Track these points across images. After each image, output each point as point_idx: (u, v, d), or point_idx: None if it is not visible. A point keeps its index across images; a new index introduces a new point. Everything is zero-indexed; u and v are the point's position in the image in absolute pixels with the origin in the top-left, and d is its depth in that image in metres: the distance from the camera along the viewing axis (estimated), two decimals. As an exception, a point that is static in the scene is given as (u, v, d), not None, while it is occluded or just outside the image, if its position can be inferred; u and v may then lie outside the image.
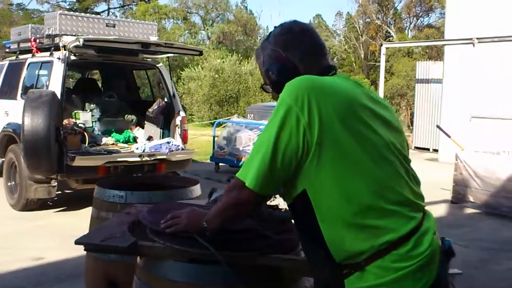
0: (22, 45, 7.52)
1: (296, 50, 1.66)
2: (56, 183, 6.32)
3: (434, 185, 8.10)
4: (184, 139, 7.13)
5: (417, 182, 1.62)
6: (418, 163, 11.04)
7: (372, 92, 1.69)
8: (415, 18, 38.00)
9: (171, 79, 7.53)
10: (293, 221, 1.67)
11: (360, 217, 1.44)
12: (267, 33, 1.83)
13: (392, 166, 1.51)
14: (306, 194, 1.49)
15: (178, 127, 7.16)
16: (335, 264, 1.50)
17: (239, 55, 25.38)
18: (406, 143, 1.67)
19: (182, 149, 6.93)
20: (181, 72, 25.03)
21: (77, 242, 1.87)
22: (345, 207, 1.45)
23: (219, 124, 12.06)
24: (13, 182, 6.76)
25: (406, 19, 38.63)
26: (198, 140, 13.44)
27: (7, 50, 8.25)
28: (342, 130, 1.44)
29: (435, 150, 13.39)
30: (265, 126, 1.53)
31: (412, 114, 18.54)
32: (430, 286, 1.45)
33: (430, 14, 37.54)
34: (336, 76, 1.66)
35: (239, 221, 1.78)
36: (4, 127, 6.85)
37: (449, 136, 8.25)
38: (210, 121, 19.15)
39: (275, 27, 1.75)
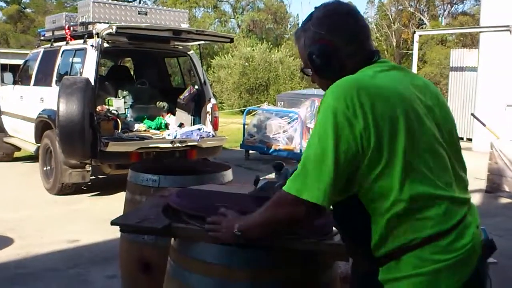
0: (56, 33, 7.63)
1: (341, 33, 1.58)
2: (90, 168, 6.44)
3: (469, 174, 7.80)
4: (215, 126, 7.17)
5: (465, 172, 1.58)
6: (451, 152, 10.87)
7: (417, 77, 1.63)
8: (449, 5, 37.17)
9: (202, 67, 7.55)
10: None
11: (409, 212, 1.41)
12: (298, 21, 1.79)
13: (440, 159, 1.47)
14: (356, 196, 1.47)
15: (209, 114, 7.19)
16: (373, 258, 1.49)
17: (269, 43, 25.30)
18: (455, 130, 1.62)
19: (213, 136, 6.97)
20: (211, 60, 25.10)
21: (113, 223, 1.90)
22: (395, 203, 1.42)
23: (249, 112, 12.06)
24: (49, 167, 6.91)
25: (439, 6, 37.82)
26: (228, 128, 13.48)
27: (42, 38, 8.38)
28: (395, 130, 1.41)
29: (469, 139, 13.14)
30: (312, 134, 1.46)
31: (445, 103, 18.20)
32: (469, 279, 1.42)
33: (464, 1, 36.72)
34: (380, 65, 1.58)
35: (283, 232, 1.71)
36: (39, 113, 6.99)
37: (484, 125, 8.07)
38: (240, 109, 19.18)
39: (316, 7, 1.66)
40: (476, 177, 7.89)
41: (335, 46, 1.57)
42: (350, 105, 1.40)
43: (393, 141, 1.41)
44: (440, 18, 37.19)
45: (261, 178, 2.15)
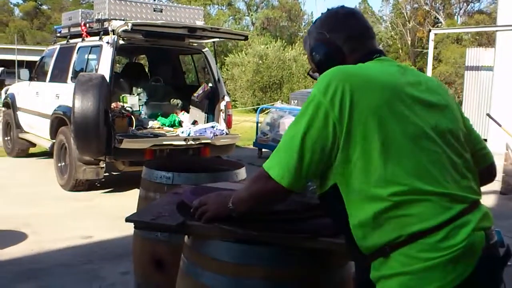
0: (72, 29, 7.69)
1: (340, 32, 1.66)
2: (104, 164, 6.48)
3: (483, 175, 7.86)
4: (229, 123, 7.18)
5: (470, 172, 1.54)
6: (465, 152, 10.78)
7: (418, 74, 1.63)
8: (465, 4, 36.84)
9: (216, 64, 7.56)
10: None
11: (390, 207, 1.39)
12: (312, 19, 1.84)
13: (430, 154, 1.44)
14: (337, 188, 1.48)
15: (223, 112, 7.20)
16: (361, 253, 1.49)
17: (283, 41, 25.29)
18: (461, 125, 1.60)
19: (227, 134, 6.98)
20: (225, 58, 25.13)
21: (128, 219, 1.91)
22: (374, 199, 1.41)
23: (262, 110, 12.06)
24: (63, 163, 6.96)
25: (455, 5, 37.51)
26: (241, 126, 13.49)
27: (58, 34, 8.43)
28: (374, 123, 1.41)
29: (484, 140, 12.98)
30: (295, 118, 1.52)
31: (460, 103, 18.06)
32: (464, 282, 1.37)
33: (481, 0, 36.33)
34: (379, 61, 1.62)
35: (267, 208, 1.79)
36: (55, 110, 7.04)
37: (499, 125, 7.98)
38: (253, 107, 19.19)
39: (322, 13, 1.76)
40: (491, 178, 7.82)
41: (334, 44, 1.66)
42: (330, 93, 1.44)
43: (370, 132, 1.41)
44: (455, 17, 36.91)
45: None
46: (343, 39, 1.65)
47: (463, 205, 1.44)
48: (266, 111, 12.06)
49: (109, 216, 5.49)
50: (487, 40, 25.80)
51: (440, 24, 33.52)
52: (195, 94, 7.44)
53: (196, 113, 7.47)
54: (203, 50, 7.50)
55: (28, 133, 8.62)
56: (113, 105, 6.67)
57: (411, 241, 1.38)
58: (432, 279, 1.36)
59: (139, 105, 7.51)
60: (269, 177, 1.52)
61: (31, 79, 8.63)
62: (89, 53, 6.98)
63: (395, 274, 1.40)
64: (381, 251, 1.43)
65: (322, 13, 1.76)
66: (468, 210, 1.44)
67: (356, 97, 1.42)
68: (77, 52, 7.26)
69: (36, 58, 10.77)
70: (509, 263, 3.89)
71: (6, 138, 9.48)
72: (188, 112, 7.61)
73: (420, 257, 1.37)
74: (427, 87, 1.57)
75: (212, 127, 6.90)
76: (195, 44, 7.54)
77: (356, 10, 1.74)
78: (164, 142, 6.41)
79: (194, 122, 7.34)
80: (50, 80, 7.82)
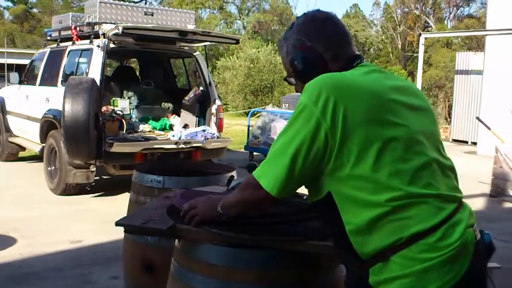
0: (63, 33, 7.65)
1: (320, 39, 1.63)
2: (94, 168, 6.45)
3: (473, 179, 7.93)
4: (220, 127, 7.17)
5: (452, 172, 1.58)
6: (456, 156, 10.83)
7: (399, 79, 1.66)
8: (455, 8, 37.12)
9: (207, 68, 7.56)
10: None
11: (388, 212, 1.41)
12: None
13: (421, 158, 1.47)
14: (331, 196, 1.48)
15: (214, 116, 7.20)
16: (361, 260, 1.49)
17: (275, 45, 25.25)
18: (437, 130, 1.64)
19: (218, 138, 6.98)
20: (216, 61, 25.13)
21: (118, 223, 1.90)
22: (371, 206, 1.42)
23: (253, 114, 12.07)
24: (53, 167, 6.92)
25: (445, 9, 37.78)
26: (233, 129, 13.49)
27: (48, 38, 8.40)
28: (367, 131, 1.42)
29: (474, 143, 13.10)
30: (284, 127, 1.51)
31: (450, 106, 18.16)
32: (461, 279, 1.40)
33: (470, 4, 36.61)
34: (362, 67, 1.62)
35: (255, 213, 1.80)
36: (45, 113, 7.01)
37: (489, 128, 8.05)
38: (245, 111, 19.20)
39: (297, 17, 1.73)
40: (481, 181, 7.88)
41: (315, 52, 1.63)
42: (321, 103, 1.42)
43: (364, 140, 1.41)
44: (446, 21, 37.16)
45: (233, 179, 2.23)
46: (323, 47, 1.63)
47: (454, 204, 1.48)
48: (257, 115, 12.06)
49: (99, 220, 5.46)
50: (477, 44, 25.98)
51: (430, 28, 33.73)
52: (186, 98, 7.44)
53: (187, 116, 7.46)
54: (194, 53, 7.50)
55: (18, 136, 8.57)
56: (104, 108, 6.65)
57: (411, 243, 1.40)
58: (431, 280, 1.38)
59: (130, 109, 7.49)
60: (259, 185, 1.52)
61: (21, 82, 8.59)
62: (80, 57, 6.96)
63: (396, 277, 1.41)
64: (381, 255, 1.43)
65: (297, 17, 1.72)
66: (458, 209, 1.48)
67: (348, 107, 1.42)
68: (67, 56, 7.23)
69: (26, 61, 10.73)
70: (499, 265, 3.90)
71: (-5, 142, 9.42)
72: (179, 115, 7.60)
73: (420, 258, 1.38)
74: (411, 91, 1.60)
75: (203, 130, 6.90)
76: (186, 48, 7.54)
77: (333, 15, 1.70)
78: (155, 146, 6.39)
79: (185, 126, 7.33)
80: (40, 84, 7.78)
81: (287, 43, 1.70)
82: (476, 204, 6.70)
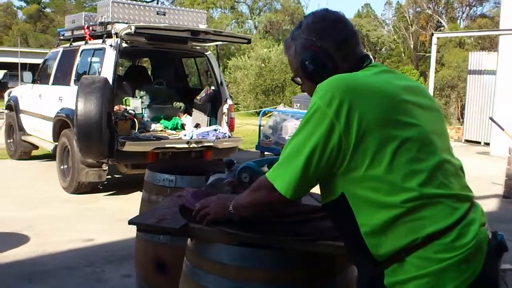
0: (75, 32, 7.70)
1: (331, 39, 1.61)
2: (106, 167, 6.49)
3: (485, 179, 7.87)
4: (231, 127, 7.18)
5: (462, 171, 1.58)
6: (468, 156, 10.77)
7: (408, 79, 1.65)
8: (467, 8, 36.85)
9: (219, 67, 7.57)
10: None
11: (403, 213, 1.40)
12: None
13: (434, 157, 1.46)
14: (344, 197, 1.47)
15: (225, 115, 7.20)
16: (375, 261, 1.48)
17: (286, 44, 25.25)
18: (446, 129, 1.64)
19: (229, 137, 6.98)
20: (227, 61, 25.16)
21: (131, 222, 1.91)
22: (386, 207, 1.41)
23: (265, 113, 12.06)
24: (66, 166, 6.97)
25: (458, 9, 37.51)
26: (244, 129, 13.50)
27: (61, 37, 8.45)
28: (381, 133, 1.41)
29: (487, 144, 12.99)
30: (297, 129, 1.50)
31: (462, 106, 18.03)
32: (476, 279, 1.39)
33: (483, 3, 36.32)
34: (371, 68, 1.61)
35: (268, 215, 1.80)
36: (57, 112, 7.06)
37: (502, 129, 7.96)
38: (256, 110, 19.20)
39: (305, 16, 1.70)
40: (494, 182, 7.81)
41: (326, 52, 1.61)
42: (335, 105, 1.41)
43: (379, 142, 1.41)
44: (458, 21, 36.90)
45: (211, 175, 2.25)
46: (334, 46, 1.61)
47: (467, 203, 1.48)
48: (269, 114, 12.05)
49: (111, 218, 5.49)
50: (490, 44, 25.79)
51: (442, 28, 33.52)
52: (198, 97, 7.45)
53: (199, 116, 7.47)
54: (206, 53, 7.51)
55: (31, 135, 8.64)
56: (116, 108, 6.68)
57: (427, 243, 1.39)
58: (448, 280, 1.38)
59: (142, 108, 7.52)
60: (273, 187, 1.52)
61: (34, 81, 8.65)
62: (92, 56, 6.99)
63: (412, 278, 1.40)
64: (397, 256, 1.43)
65: (306, 17, 1.69)
66: (471, 208, 1.48)
67: (362, 109, 1.41)
68: (80, 55, 7.28)
69: (39, 61, 10.80)
70: (510, 267, 3.85)
71: (9, 141, 9.51)
72: (190, 115, 7.62)
73: (436, 258, 1.38)
74: (419, 91, 1.59)
75: (215, 130, 6.91)
76: (198, 47, 7.56)
77: (342, 14, 1.68)
78: (167, 145, 6.42)
79: (197, 125, 7.35)
80: (53, 83, 7.83)
81: (295, 43, 1.67)
82: (489, 205, 6.64)
